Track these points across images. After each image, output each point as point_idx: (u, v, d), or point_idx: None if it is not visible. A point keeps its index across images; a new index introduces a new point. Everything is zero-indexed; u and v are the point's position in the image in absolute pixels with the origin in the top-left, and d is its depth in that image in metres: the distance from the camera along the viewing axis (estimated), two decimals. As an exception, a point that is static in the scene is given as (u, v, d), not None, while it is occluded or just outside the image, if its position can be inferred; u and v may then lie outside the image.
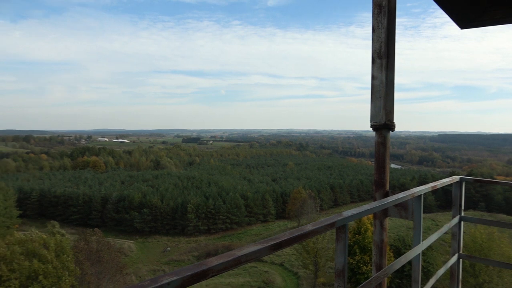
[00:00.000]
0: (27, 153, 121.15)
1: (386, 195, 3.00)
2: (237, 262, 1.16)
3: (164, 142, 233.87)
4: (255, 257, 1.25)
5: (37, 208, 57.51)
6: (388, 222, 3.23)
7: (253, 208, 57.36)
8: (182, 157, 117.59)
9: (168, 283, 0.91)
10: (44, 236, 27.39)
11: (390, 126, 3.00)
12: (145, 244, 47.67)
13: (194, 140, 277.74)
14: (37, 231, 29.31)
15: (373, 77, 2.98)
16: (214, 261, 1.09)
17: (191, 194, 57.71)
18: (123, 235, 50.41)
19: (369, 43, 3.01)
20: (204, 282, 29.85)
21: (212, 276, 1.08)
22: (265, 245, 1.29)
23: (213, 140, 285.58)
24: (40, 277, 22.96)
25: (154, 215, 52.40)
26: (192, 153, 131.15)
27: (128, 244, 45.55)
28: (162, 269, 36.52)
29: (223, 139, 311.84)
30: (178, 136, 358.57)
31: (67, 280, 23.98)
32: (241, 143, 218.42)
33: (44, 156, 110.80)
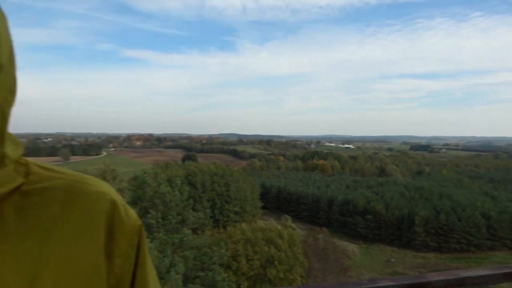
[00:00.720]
0: (269, 154, 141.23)
1: None
2: (460, 283, 1.01)
3: (389, 149, 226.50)
4: (483, 282, 1.04)
5: (275, 202, 65.83)
6: None
7: (497, 230, 47.92)
8: (409, 165, 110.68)
9: (385, 287, 0.88)
10: (279, 227, 31.02)
11: None
12: (368, 250, 47.23)
13: (423, 147, 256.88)
14: (274, 222, 33.49)
15: None
16: (434, 277, 1.00)
17: (419, 205, 53.45)
18: (347, 237, 51.54)
19: None
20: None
21: (429, 291, 0.98)
22: (498, 271, 1.04)
23: (446, 148, 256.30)
24: (276, 263, 26.08)
25: (378, 223, 51.27)
26: (421, 162, 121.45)
27: (352, 247, 46.24)
28: (385, 279, 35.18)
29: (459, 148, 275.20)
30: (405, 143, 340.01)
31: (297, 270, 26.37)
32: (482, 153, 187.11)
33: (281, 157, 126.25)
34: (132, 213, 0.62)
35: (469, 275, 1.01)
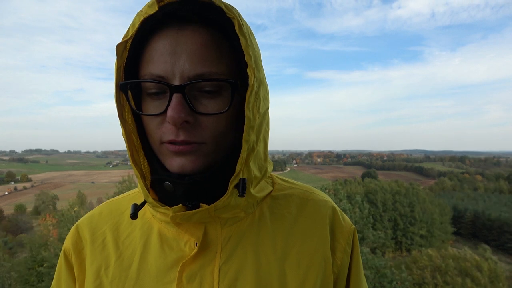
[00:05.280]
0: (462, 173, 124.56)
1: None
2: None
3: None
4: None
5: (470, 228, 57.47)
6: None
7: None
8: None
9: None
10: (477, 258, 26.98)
11: None
12: None
13: None
14: (469, 251, 29.37)
15: None
16: None
17: None
18: None
19: None
20: None
21: None
22: None
23: None
24: (472, 298, 22.79)
25: None
26: None
27: None
28: None
29: None
30: None
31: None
32: None
33: (479, 177, 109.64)
34: (347, 218, 0.77)
35: None
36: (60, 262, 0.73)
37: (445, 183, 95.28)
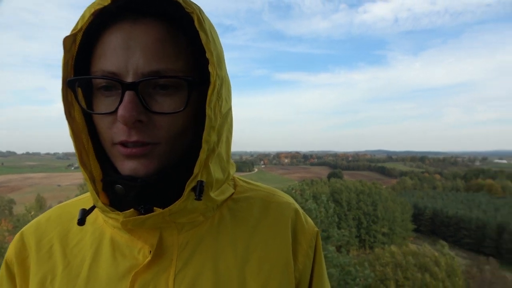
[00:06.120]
0: (422, 172, 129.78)
1: None
2: None
3: None
4: None
5: (429, 225, 60.03)
6: None
7: None
8: None
9: None
10: (436, 254, 28.21)
11: None
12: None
13: None
14: (429, 247, 30.66)
15: None
16: None
17: None
18: (523, 272, 43.24)
19: None
20: None
21: None
22: None
23: None
24: (431, 292, 23.79)
25: None
26: None
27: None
28: None
29: None
30: None
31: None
32: None
33: (437, 176, 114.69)
34: (311, 221, 0.75)
35: None
36: (1, 273, 0.67)
37: (406, 182, 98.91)
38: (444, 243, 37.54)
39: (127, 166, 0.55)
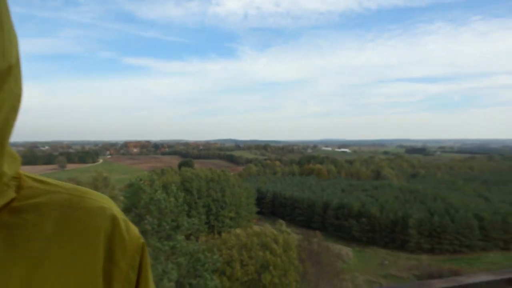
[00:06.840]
0: (265, 159, 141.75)
1: None
2: None
3: (385, 152, 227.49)
4: (486, 288, 0.99)
5: (271, 207, 66.25)
6: None
7: (490, 231, 48.58)
8: (404, 169, 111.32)
9: None
10: (275, 232, 31.44)
11: None
12: (362, 253, 47.65)
13: (418, 150, 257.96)
14: (269, 227, 33.92)
15: None
16: (437, 284, 0.98)
17: (413, 208, 54.03)
18: (341, 241, 51.98)
19: None
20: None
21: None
22: (500, 277, 1.05)
23: (441, 151, 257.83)
24: (271, 268, 26.48)
25: (373, 226, 51.77)
26: (416, 165, 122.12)
27: (346, 251, 46.65)
28: (379, 281, 35.68)
29: (454, 150, 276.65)
30: (401, 146, 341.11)
31: (293, 274, 26.78)
32: (477, 155, 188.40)
33: (277, 162, 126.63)
34: (134, 230, 0.57)
35: (472, 281, 1.00)
36: None
37: (252, 169, 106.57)
38: (282, 222, 42.15)
39: None
